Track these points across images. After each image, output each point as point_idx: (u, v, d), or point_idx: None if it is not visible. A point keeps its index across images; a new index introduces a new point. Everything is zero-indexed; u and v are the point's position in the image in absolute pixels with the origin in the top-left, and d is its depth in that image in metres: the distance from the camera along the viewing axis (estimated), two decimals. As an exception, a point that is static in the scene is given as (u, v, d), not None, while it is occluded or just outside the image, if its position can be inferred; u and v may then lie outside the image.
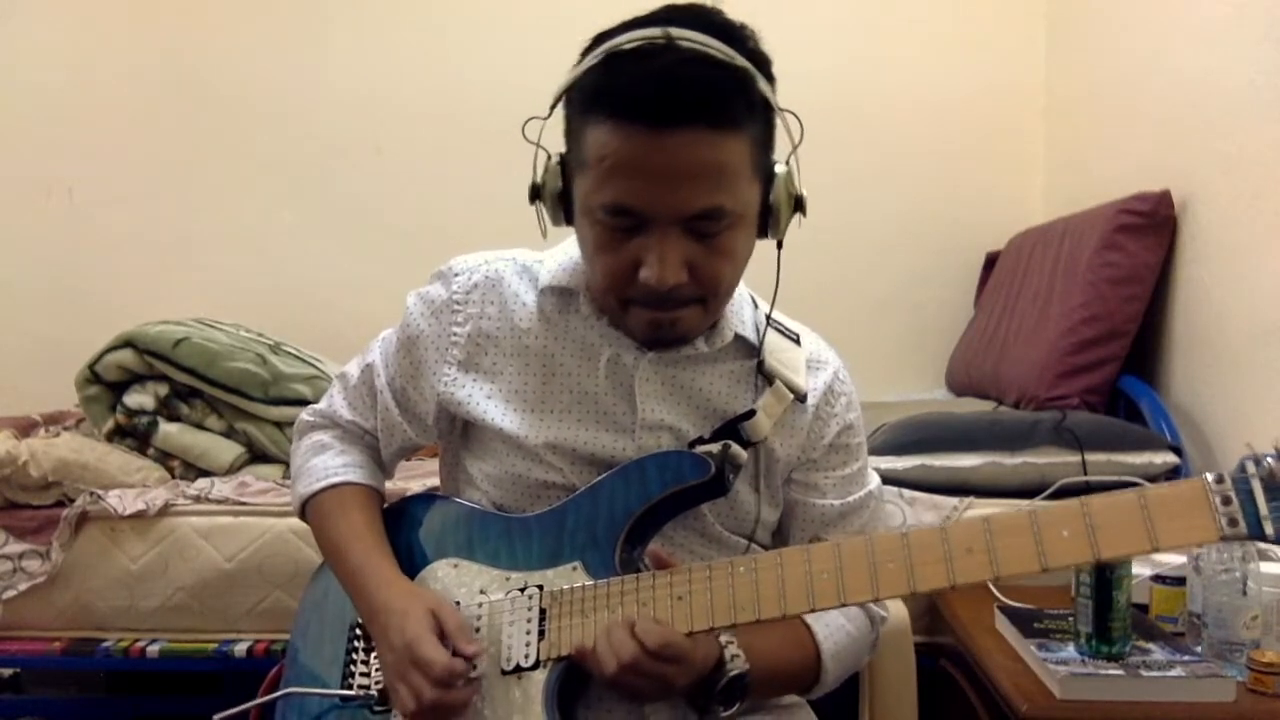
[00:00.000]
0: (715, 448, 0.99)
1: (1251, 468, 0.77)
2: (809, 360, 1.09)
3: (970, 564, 0.82)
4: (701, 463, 0.98)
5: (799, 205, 0.99)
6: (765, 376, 1.05)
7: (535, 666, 0.94)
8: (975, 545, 0.82)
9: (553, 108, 0.96)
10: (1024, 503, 1.73)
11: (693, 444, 1.02)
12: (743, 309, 1.08)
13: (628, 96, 0.87)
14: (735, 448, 0.99)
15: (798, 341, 1.10)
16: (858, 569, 0.86)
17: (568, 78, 0.94)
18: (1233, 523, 0.76)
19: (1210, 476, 0.78)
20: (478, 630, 0.98)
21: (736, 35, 0.91)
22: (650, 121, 0.87)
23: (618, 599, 0.93)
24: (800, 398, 1.05)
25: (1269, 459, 0.76)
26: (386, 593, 0.99)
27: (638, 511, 0.98)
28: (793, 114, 0.95)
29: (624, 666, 0.87)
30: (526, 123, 0.96)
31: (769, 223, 0.98)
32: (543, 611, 0.96)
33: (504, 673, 0.95)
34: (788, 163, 0.97)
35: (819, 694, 1.08)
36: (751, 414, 1.02)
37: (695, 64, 0.87)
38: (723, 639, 0.94)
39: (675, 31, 0.88)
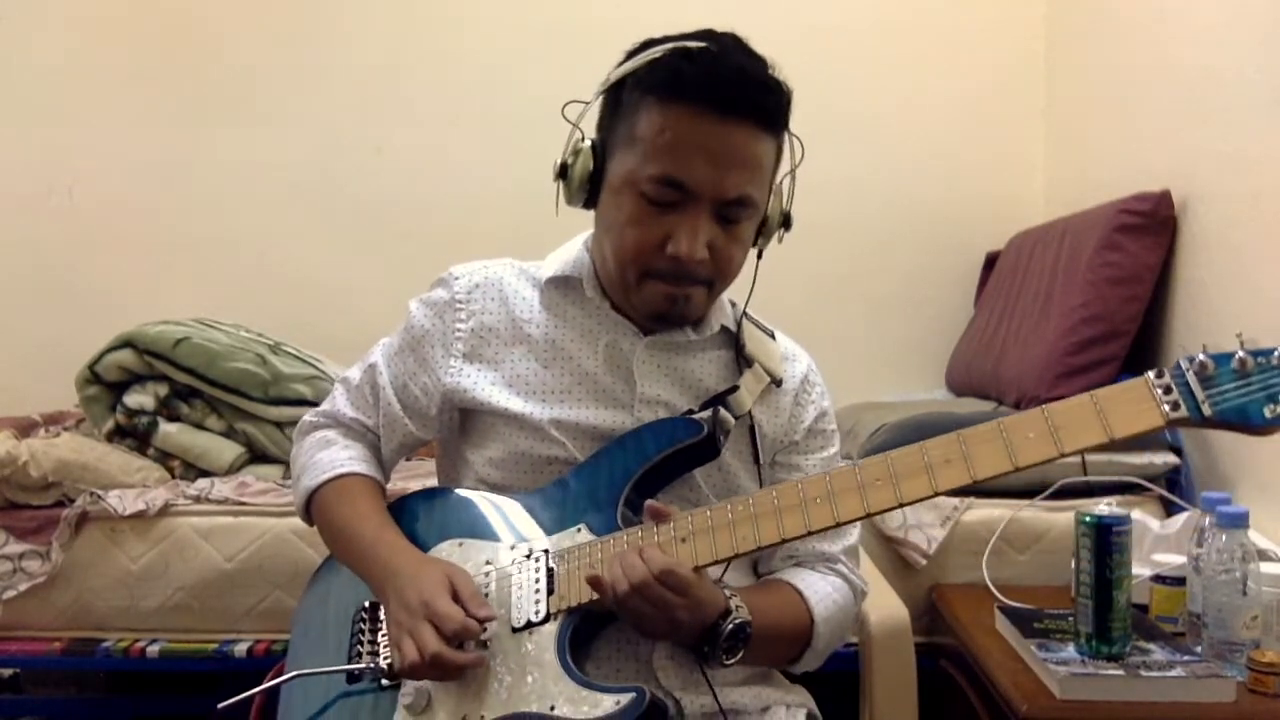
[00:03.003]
0: (706, 413, 1.06)
1: (1186, 364, 0.86)
2: (783, 354, 1.18)
3: (950, 472, 0.90)
4: (694, 424, 1.05)
5: (787, 221, 1.11)
6: (745, 360, 1.13)
7: (546, 620, 0.97)
8: (952, 456, 0.90)
9: (602, 93, 1.06)
10: (1023, 502, 1.77)
11: (685, 414, 1.08)
12: (725, 306, 1.18)
13: (700, 83, 0.97)
14: (724, 413, 1.07)
15: (772, 336, 1.20)
16: (848, 490, 0.93)
17: (624, 67, 1.03)
18: (1175, 407, 0.85)
19: (1151, 373, 0.87)
20: (487, 597, 1.00)
21: (762, 61, 1.03)
22: (718, 107, 0.97)
23: (623, 549, 0.97)
24: (776, 382, 1.14)
25: (1200, 356, 0.86)
26: (400, 559, 1.03)
27: (637, 473, 1.04)
28: (797, 138, 1.06)
29: (634, 587, 0.91)
30: (566, 105, 1.06)
31: (761, 230, 1.09)
32: (550, 570, 1.00)
33: (514, 630, 0.98)
34: (780, 182, 1.08)
35: (810, 663, 1.11)
36: (735, 389, 1.10)
37: (756, 69, 1.01)
38: (727, 591, 0.99)
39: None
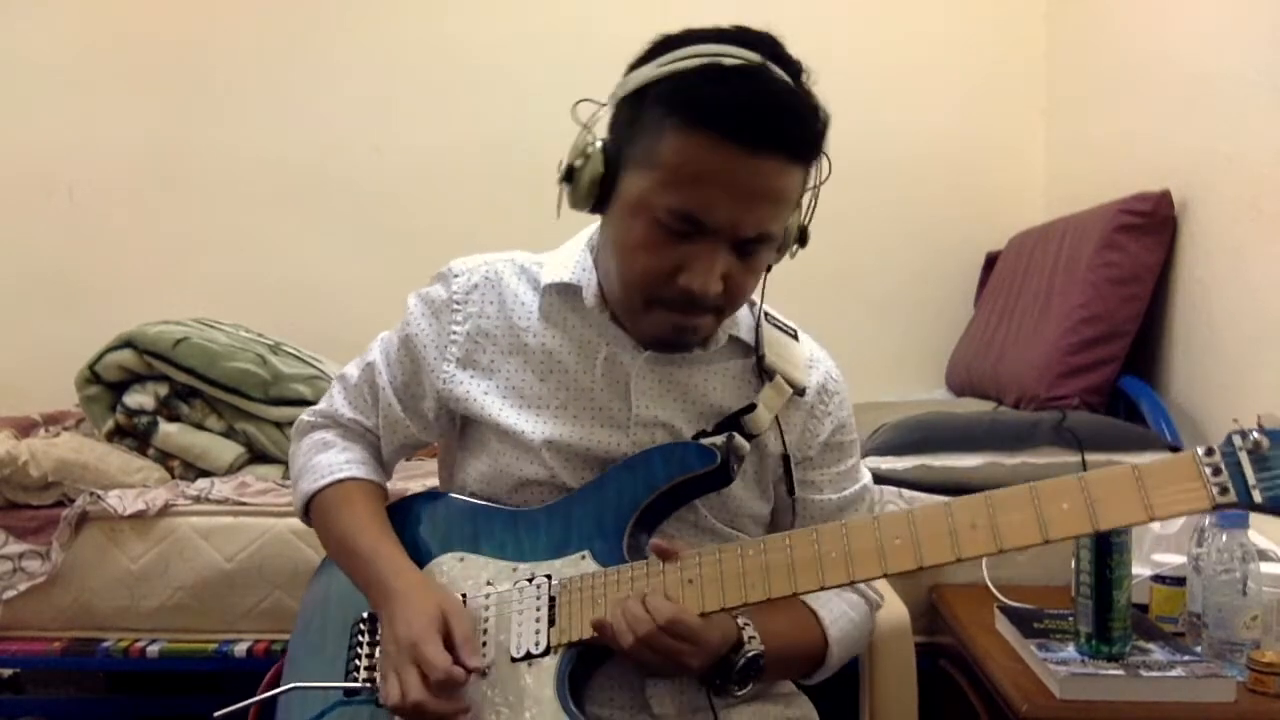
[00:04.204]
0: (719, 439, 1.01)
1: (1239, 441, 0.80)
2: (807, 360, 1.12)
3: (975, 538, 0.85)
4: (707, 453, 1.00)
5: (803, 238, 1.03)
6: (766, 372, 1.07)
7: (546, 653, 0.95)
8: (979, 520, 0.85)
9: (625, 99, 0.97)
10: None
11: (696, 437, 1.04)
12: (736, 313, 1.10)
13: (731, 112, 0.89)
14: (739, 439, 1.01)
15: (796, 337, 1.13)
16: (865, 546, 0.88)
17: (646, 72, 0.94)
18: (1223, 491, 0.80)
19: (1200, 450, 0.82)
20: (486, 622, 0.99)
21: (799, 70, 0.95)
22: (749, 141, 0.89)
23: (628, 585, 0.95)
24: (800, 391, 1.07)
25: (1254, 433, 0.80)
26: (399, 580, 0.99)
27: (645, 501, 1.00)
28: (826, 156, 0.97)
29: (639, 639, 0.89)
30: (577, 104, 0.98)
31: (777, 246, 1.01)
32: (552, 599, 0.97)
33: (514, 660, 0.96)
34: (801, 198, 1.00)
35: (820, 677, 1.10)
36: (752, 408, 1.04)
37: (792, 96, 0.92)
38: (740, 621, 0.96)
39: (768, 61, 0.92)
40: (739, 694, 0.96)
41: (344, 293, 2.80)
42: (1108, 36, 2.47)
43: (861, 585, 1.12)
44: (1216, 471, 0.80)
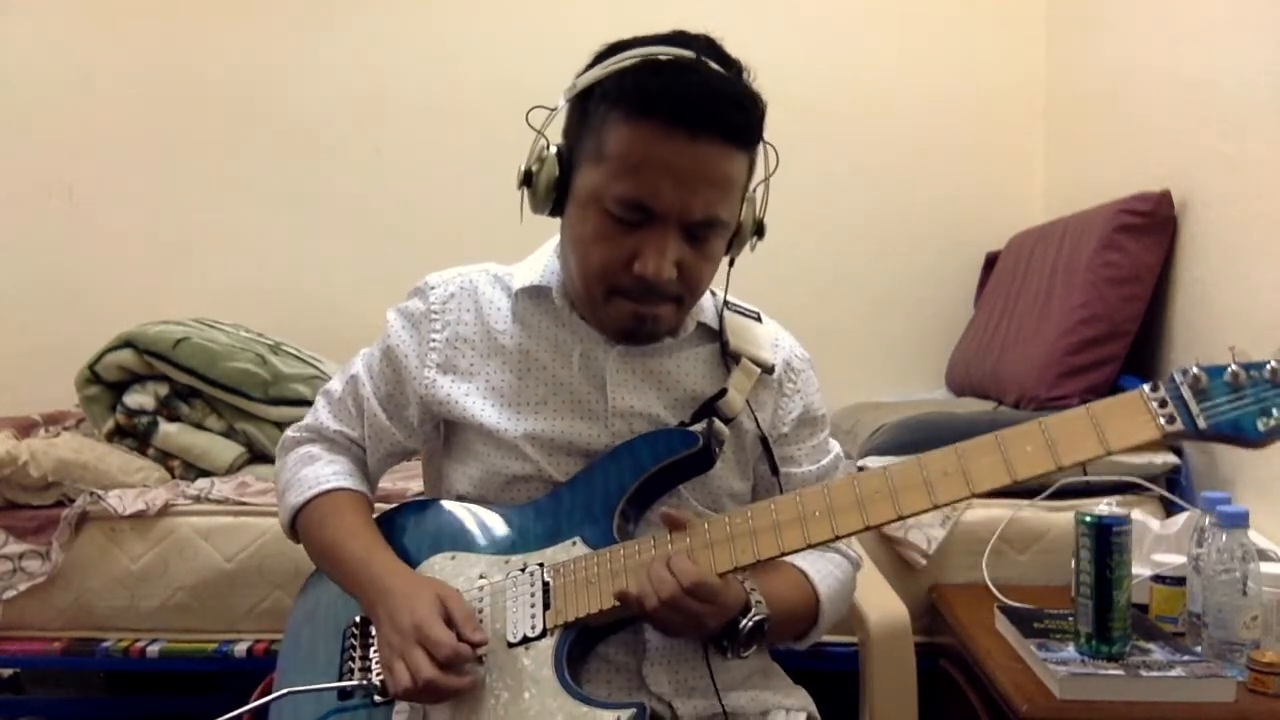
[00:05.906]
0: (700, 425, 1.05)
1: (1180, 377, 0.88)
2: (772, 339, 1.17)
3: (948, 485, 0.91)
4: (690, 436, 1.04)
5: (760, 230, 1.09)
6: (732, 356, 1.11)
7: (542, 635, 0.97)
8: (950, 469, 0.91)
9: (570, 100, 1.02)
10: (1023, 501, 1.77)
11: (679, 425, 1.07)
12: (703, 301, 1.15)
13: (669, 100, 0.94)
14: (719, 423, 1.06)
15: (759, 319, 1.18)
16: (847, 503, 0.93)
17: (592, 74, 0.99)
18: (1170, 420, 0.86)
19: (1146, 386, 0.88)
20: (480, 613, 1.00)
21: (739, 69, 1.01)
22: (687, 126, 0.94)
23: (620, 563, 0.97)
24: (768, 370, 1.12)
25: (1194, 368, 0.87)
26: (392, 579, 1.01)
27: (632, 485, 1.03)
28: (771, 147, 1.03)
29: (663, 602, 0.91)
30: (531, 110, 1.03)
31: (733, 240, 1.07)
32: (546, 584, 0.99)
33: (510, 645, 0.97)
34: (754, 190, 1.06)
35: (813, 638, 1.13)
36: (724, 393, 1.09)
37: (727, 84, 0.98)
38: (747, 585, 0.99)
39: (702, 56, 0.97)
40: (744, 655, 0.98)
41: (344, 293, 2.80)
42: (1107, 38, 2.47)
43: (841, 545, 1.16)
44: (1163, 404, 0.87)
